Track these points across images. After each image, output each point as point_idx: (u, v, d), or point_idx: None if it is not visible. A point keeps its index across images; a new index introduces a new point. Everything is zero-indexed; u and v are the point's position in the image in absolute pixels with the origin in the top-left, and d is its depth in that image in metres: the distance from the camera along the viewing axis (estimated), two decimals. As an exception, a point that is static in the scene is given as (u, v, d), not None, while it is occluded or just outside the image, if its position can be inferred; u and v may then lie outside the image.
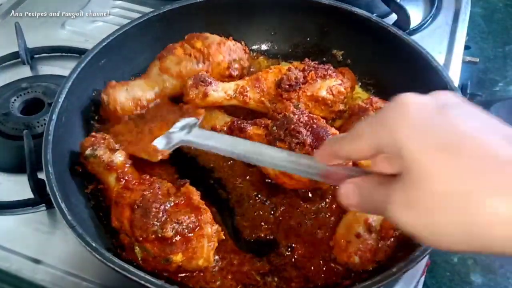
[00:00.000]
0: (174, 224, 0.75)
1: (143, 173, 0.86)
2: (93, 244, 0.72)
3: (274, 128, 0.88)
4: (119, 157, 0.86)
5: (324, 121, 0.94)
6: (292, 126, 0.85)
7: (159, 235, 0.74)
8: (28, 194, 0.90)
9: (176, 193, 0.81)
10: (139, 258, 0.78)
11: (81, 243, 0.73)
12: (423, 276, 0.89)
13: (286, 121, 0.87)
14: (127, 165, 0.86)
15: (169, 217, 0.76)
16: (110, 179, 0.85)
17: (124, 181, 0.84)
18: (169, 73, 1.00)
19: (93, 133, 0.91)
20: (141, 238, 0.76)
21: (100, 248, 0.72)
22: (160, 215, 0.76)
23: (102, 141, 0.88)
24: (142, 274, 0.69)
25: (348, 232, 0.83)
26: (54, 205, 0.76)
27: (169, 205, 0.78)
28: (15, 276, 0.84)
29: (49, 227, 0.91)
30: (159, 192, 0.80)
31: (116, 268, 0.70)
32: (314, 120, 0.89)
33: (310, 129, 0.85)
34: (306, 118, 0.88)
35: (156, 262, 0.76)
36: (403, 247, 0.82)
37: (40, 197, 0.90)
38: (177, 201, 0.79)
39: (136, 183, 0.83)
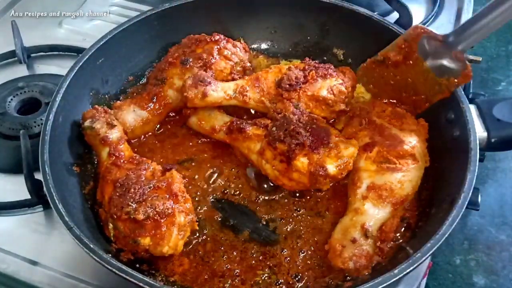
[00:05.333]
0: (148, 208, 0.76)
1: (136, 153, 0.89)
2: (91, 246, 0.71)
3: (274, 128, 0.87)
4: (115, 133, 0.89)
5: (325, 121, 0.93)
6: (292, 127, 0.84)
7: (131, 216, 0.76)
8: (25, 194, 0.90)
9: (160, 176, 0.82)
10: (111, 235, 0.80)
11: (79, 245, 0.72)
12: (425, 278, 0.88)
13: (285, 121, 0.86)
14: (122, 142, 0.89)
15: (145, 200, 0.77)
16: (103, 153, 0.88)
17: (114, 157, 0.86)
18: (174, 88, 0.99)
19: (97, 106, 0.93)
20: (115, 216, 0.77)
21: (98, 250, 0.71)
22: (137, 197, 0.77)
23: (103, 115, 0.91)
24: (140, 276, 0.68)
25: (344, 236, 0.81)
26: (51, 206, 0.76)
27: (148, 188, 0.79)
28: (12, 277, 0.84)
29: (46, 228, 0.90)
30: (144, 174, 0.82)
31: (115, 270, 0.69)
32: (315, 120, 0.88)
33: (310, 130, 0.84)
34: (306, 118, 0.87)
35: (126, 241, 0.78)
36: (404, 249, 0.82)
37: (37, 197, 0.90)
38: (158, 185, 0.80)
39: (125, 161, 0.85)
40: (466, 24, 0.84)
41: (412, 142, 0.88)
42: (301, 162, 0.83)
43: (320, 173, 0.82)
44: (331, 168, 0.83)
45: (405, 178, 0.85)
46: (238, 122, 0.93)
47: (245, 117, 1.01)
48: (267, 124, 0.91)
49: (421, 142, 0.89)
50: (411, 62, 0.90)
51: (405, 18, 1.20)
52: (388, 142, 0.87)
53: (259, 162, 0.90)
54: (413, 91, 0.92)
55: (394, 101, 0.96)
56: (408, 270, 0.70)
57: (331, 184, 0.88)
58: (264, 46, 1.19)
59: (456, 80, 0.86)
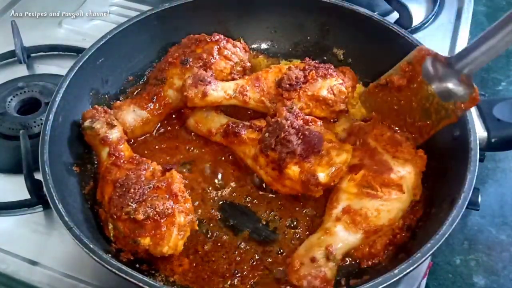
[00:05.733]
0: (147, 209, 0.76)
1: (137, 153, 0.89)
2: (91, 246, 0.71)
3: (267, 134, 0.86)
4: (115, 133, 0.89)
5: (321, 122, 0.91)
6: (283, 134, 0.82)
7: (131, 216, 0.76)
8: (24, 194, 0.89)
9: (160, 176, 0.83)
10: (111, 235, 0.80)
11: (79, 245, 0.72)
12: (425, 278, 0.88)
13: (278, 127, 0.84)
14: (122, 142, 0.89)
15: (145, 200, 0.77)
16: (103, 153, 0.88)
17: (114, 157, 0.86)
18: (173, 88, 0.99)
19: (96, 106, 0.94)
20: (115, 216, 0.78)
21: (98, 250, 0.71)
22: (137, 197, 0.77)
23: (103, 115, 0.91)
24: (140, 276, 0.68)
25: (306, 253, 0.79)
26: (51, 206, 0.76)
27: (148, 188, 0.79)
28: (12, 277, 0.83)
29: (46, 228, 0.90)
30: (143, 174, 0.82)
31: (114, 270, 0.69)
32: (310, 123, 0.87)
33: (301, 136, 0.83)
34: (301, 122, 0.86)
35: (126, 242, 0.78)
36: (404, 249, 0.82)
37: (37, 198, 0.89)
38: (158, 185, 0.80)
39: (125, 162, 0.86)
40: (472, 46, 0.79)
41: (401, 172, 0.84)
42: (293, 170, 0.82)
43: (312, 181, 0.82)
44: (322, 176, 0.82)
45: (383, 207, 0.81)
46: (234, 125, 0.93)
47: (249, 113, 1.00)
48: (262, 127, 0.90)
49: (413, 173, 0.85)
50: (415, 85, 0.86)
51: (405, 18, 1.20)
52: (376, 167, 0.84)
53: (254, 167, 0.90)
54: (418, 116, 0.87)
55: (397, 128, 0.91)
56: (408, 270, 0.70)
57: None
58: (264, 46, 1.19)
59: (463, 105, 0.81)
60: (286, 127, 0.83)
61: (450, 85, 0.82)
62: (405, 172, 0.84)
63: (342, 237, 0.80)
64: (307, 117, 0.89)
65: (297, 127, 0.84)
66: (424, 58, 0.84)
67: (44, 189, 0.78)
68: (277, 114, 0.89)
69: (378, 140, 0.89)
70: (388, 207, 0.81)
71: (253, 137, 0.90)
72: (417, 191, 0.86)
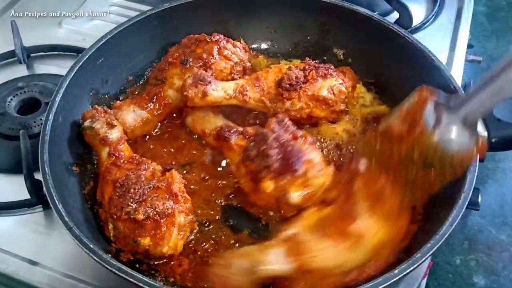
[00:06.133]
0: (147, 209, 0.76)
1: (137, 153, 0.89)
2: (91, 246, 0.71)
3: (252, 144, 0.85)
4: (115, 133, 0.89)
5: (312, 139, 0.87)
6: (264, 147, 0.81)
7: (131, 216, 0.76)
8: (24, 194, 0.89)
9: (160, 176, 0.83)
10: (111, 235, 0.80)
11: (79, 245, 0.72)
12: (425, 278, 0.88)
13: (262, 139, 0.83)
14: (122, 142, 0.89)
15: (145, 200, 0.77)
16: (103, 153, 0.88)
17: (114, 157, 0.86)
18: (173, 88, 0.99)
19: (96, 106, 0.94)
20: (115, 216, 0.78)
21: (98, 250, 0.71)
22: (137, 197, 0.78)
23: (103, 115, 0.91)
24: (140, 276, 0.68)
25: (235, 257, 0.75)
26: (51, 206, 0.76)
27: (148, 188, 0.79)
28: (11, 278, 0.83)
29: (46, 228, 0.90)
30: (143, 174, 0.82)
31: (114, 270, 0.69)
32: (299, 139, 0.84)
33: (283, 152, 0.81)
34: (288, 137, 0.83)
35: (126, 242, 0.78)
36: (404, 249, 0.82)
37: (37, 198, 0.89)
38: (158, 185, 0.80)
39: (125, 162, 0.86)
40: (473, 91, 0.73)
41: (365, 228, 0.74)
42: (267, 185, 0.81)
43: (283, 200, 0.81)
44: (294, 196, 0.80)
45: (326, 252, 0.72)
46: (226, 130, 0.92)
47: (249, 113, 1.00)
48: (252, 134, 0.89)
49: (381, 236, 0.74)
50: (416, 133, 0.76)
51: (405, 18, 1.20)
52: (342, 212, 0.76)
53: (236, 174, 0.90)
54: (420, 172, 0.76)
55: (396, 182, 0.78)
56: (408, 270, 0.69)
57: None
58: (264, 46, 1.19)
59: (469, 155, 0.75)
60: (270, 140, 0.82)
61: (455, 132, 0.74)
62: (370, 230, 0.74)
63: (275, 261, 0.73)
64: (298, 131, 0.86)
65: (282, 141, 0.82)
66: (426, 102, 0.76)
67: (44, 189, 0.78)
68: (266, 125, 0.88)
69: (365, 185, 0.79)
70: (332, 254, 0.73)
71: (241, 144, 0.89)
72: (382, 252, 0.74)
